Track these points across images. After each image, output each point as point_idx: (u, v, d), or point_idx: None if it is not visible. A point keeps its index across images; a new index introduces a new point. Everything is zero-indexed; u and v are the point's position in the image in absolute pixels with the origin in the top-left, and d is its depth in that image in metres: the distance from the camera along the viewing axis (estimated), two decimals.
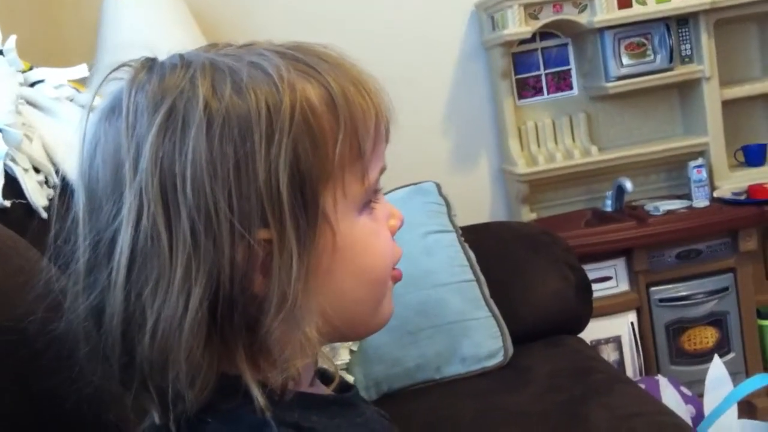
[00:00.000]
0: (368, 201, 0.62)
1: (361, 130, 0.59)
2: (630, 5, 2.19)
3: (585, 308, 1.67)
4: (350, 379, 1.44)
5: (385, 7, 2.36)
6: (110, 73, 0.59)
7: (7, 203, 1.00)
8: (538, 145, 2.36)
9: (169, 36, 1.98)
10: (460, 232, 1.63)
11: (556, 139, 2.37)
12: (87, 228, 0.57)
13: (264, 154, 0.55)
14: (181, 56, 0.59)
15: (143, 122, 0.55)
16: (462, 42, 2.41)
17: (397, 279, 0.67)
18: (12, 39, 1.22)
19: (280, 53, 0.59)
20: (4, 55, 1.21)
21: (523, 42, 2.29)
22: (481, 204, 2.44)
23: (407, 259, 1.50)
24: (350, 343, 1.44)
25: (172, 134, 0.54)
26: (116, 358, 0.56)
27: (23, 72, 1.21)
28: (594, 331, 2.03)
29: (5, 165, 1.03)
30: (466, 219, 1.88)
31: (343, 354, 1.42)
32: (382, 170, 0.63)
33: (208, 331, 0.55)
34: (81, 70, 1.29)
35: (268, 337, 0.56)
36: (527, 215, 2.31)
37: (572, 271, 1.66)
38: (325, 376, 0.71)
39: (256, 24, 2.27)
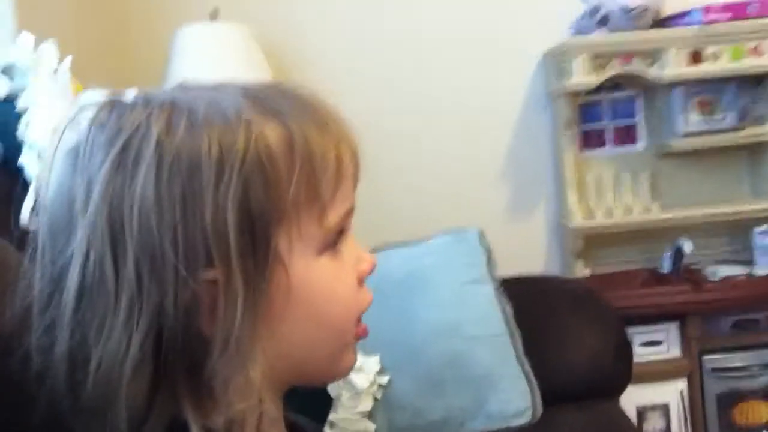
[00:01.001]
0: (331, 243, 0.60)
1: (320, 172, 0.58)
2: (701, 61, 2.13)
3: (623, 372, 1.61)
4: (371, 427, 1.41)
5: (451, 50, 2.35)
6: (77, 113, 0.59)
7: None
8: (598, 199, 2.31)
9: (236, 71, 2.02)
10: (499, 283, 1.59)
11: (616, 194, 2.31)
12: (43, 262, 0.57)
13: (212, 193, 0.54)
14: (145, 95, 0.59)
15: (97, 159, 0.55)
16: (528, 89, 2.38)
17: (360, 336, 0.65)
18: (67, 61, 1.25)
19: (244, 92, 0.59)
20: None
21: (590, 92, 2.25)
22: (535, 256, 2.39)
23: (437, 307, 1.50)
24: (375, 389, 1.42)
25: (123, 171, 0.55)
26: (66, 398, 0.56)
27: (74, 94, 1.24)
28: (641, 396, 1.96)
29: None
30: (518, 270, 1.84)
31: (365, 401, 1.40)
32: (350, 212, 0.62)
33: (154, 373, 0.55)
34: (129, 95, 1.32)
35: (212, 380, 0.55)
36: (581, 270, 2.25)
37: (612, 332, 1.61)
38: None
39: (326, 59, 2.29)
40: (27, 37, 1.21)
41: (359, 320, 0.65)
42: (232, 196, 0.54)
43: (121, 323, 0.54)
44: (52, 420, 0.57)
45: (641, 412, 2.00)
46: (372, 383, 1.40)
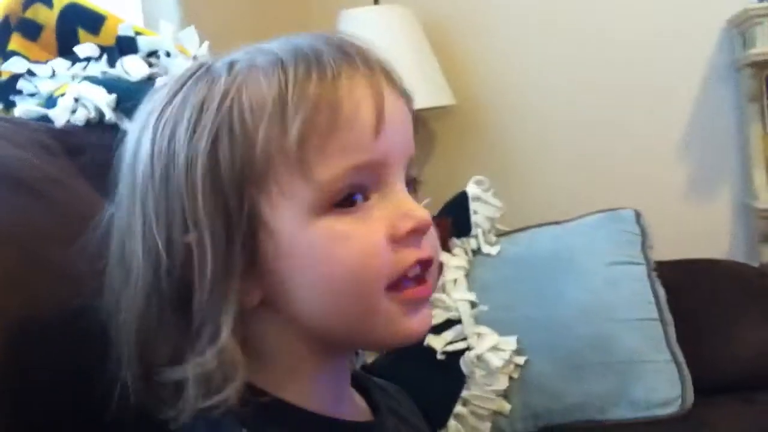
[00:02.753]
0: (338, 201, 0.55)
1: (306, 123, 0.53)
2: None
3: None
4: (507, 407, 1.38)
5: (630, 21, 2.23)
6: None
7: None
8: None
9: (400, 53, 2.04)
10: (654, 266, 1.49)
11: None
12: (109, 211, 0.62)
13: (185, 150, 0.54)
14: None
15: (138, 119, 0.60)
16: (710, 61, 2.21)
17: (410, 299, 0.57)
18: (205, 45, 1.31)
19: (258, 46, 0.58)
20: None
21: None
22: (717, 240, 2.23)
23: (584, 288, 1.43)
24: (511, 368, 1.38)
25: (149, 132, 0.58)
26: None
27: None
28: None
29: None
30: (696, 254, 1.73)
31: (501, 380, 1.37)
32: (364, 165, 0.55)
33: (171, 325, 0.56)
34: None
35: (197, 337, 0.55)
36: None
37: None
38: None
39: (490, 38, 2.26)
40: (167, 25, 1.28)
41: (419, 280, 0.58)
42: (202, 152, 0.53)
43: (133, 280, 0.56)
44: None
45: None
46: (507, 362, 1.37)
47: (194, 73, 0.58)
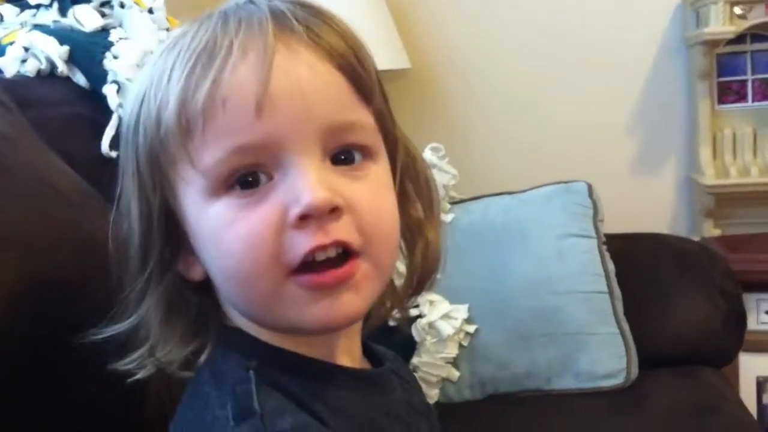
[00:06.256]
0: (226, 185, 0.53)
1: (185, 111, 0.53)
2: None
3: (732, 341, 1.50)
4: (455, 374, 1.39)
5: None
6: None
7: (114, 154, 1.04)
8: (734, 156, 2.15)
9: (356, 10, 1.99)
10: (604, 239, 1.51)
11: (756, 152, 2.14)
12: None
13: (125, 135, 0.59)
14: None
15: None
16: (663, 37, 2.23)
17: (309, 285, 0.53)
18: None
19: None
20: (153, 14, 1.27)
21: (731, 42, 2.08)
22: (661, 213, 2.26)
23: (533, 260, 1.44)
24: (461, 336, 1.39)
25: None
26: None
27: (168, 30, 1.26)
28: (762, 366, 1.83)
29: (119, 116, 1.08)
30: (640, 227, 1.76)
31: (451, 347, 1.38)
32: (241, 148, 0.52)
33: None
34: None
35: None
36: (710, 231, 2.12)
37: (725, 299, 1.49)
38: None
39: (448, 15, 2.23)
40: None
41: (332, 264, 0.54)
42: (130, 139, 0.58)
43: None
44: None
45: (761, 383, 1.87)
46: (458, 330, 1.37)
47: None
